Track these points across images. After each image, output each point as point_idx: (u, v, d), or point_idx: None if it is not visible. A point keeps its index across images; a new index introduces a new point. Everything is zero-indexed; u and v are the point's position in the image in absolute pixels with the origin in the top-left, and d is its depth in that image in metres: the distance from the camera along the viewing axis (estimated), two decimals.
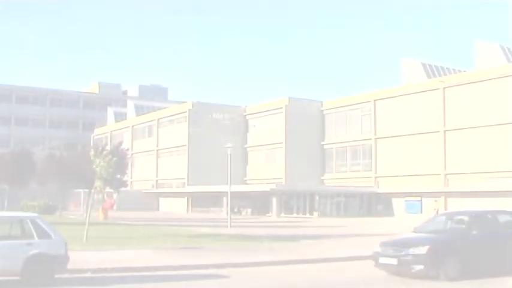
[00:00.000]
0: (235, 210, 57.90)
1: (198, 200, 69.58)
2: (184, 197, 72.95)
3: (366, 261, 19.45)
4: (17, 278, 13.25)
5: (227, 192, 38.66)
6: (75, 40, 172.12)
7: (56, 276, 13.69)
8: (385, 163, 62.43)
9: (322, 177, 69.44)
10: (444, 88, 57.00)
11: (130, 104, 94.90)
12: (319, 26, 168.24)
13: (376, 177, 63.19)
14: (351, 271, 17.47)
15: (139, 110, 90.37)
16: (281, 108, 69.34)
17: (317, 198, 59.00)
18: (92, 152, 24.64)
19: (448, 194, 55.34)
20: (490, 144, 52.58)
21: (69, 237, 16.98)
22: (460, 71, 64.96)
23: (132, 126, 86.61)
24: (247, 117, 75.07)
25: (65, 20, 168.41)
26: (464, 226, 16.36)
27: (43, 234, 13.55)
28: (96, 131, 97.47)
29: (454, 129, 55.87)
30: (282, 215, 58.34)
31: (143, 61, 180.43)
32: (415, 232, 16.81)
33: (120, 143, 26.89)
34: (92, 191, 28.50)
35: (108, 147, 25.71)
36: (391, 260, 15.45)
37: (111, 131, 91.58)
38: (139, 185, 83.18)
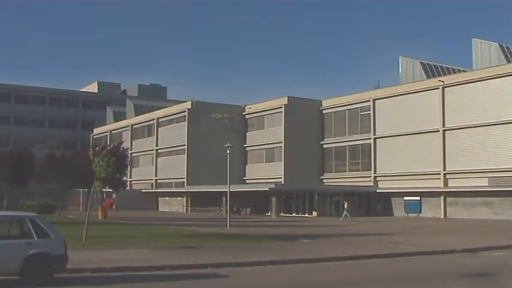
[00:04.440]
0: (235, 209, 57.88)
1: (197, 200, 69.54)
2: (183, 197, 72.91)
3: (365, 261, 19.53)
4: (17, 277, 13.26)
5: (226, 191, 38.63)
6: (74, 40, 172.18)
7: (55, 275, 13.69)
8: (384, 162, 62.41)
9: (322, 177, 69.42)
10: (443, 87, 57.00)
11: (130, 104, 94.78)
12: (319, 26, 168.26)
13: (375, 177, 63.16)
14: (350, 270, 17.48)
15: (139, 110, 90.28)
16: (280, 107, 69.31)
17: (316, 197, 58.99)
18: (91, 152, 24.60)
19: (448, 193, 55.37)
20: (489, 143, 52.60)
21: (69, 237, 17.00)
22: (459, 70, 64.89)
23: (132, 125, 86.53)
24: (247, 116, 75.03)
25: (64, 20, 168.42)
26: None
27: (42, 234, 13.54)
28: (96, 130, 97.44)
29: (453, 129, 55.87)
30: (281, 214, 58.32)
31: (142, 61, 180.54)
32: None
33: (121, 143, 26.78)
34: (91, 190, 28.46)
35: (108, 147, 25.60)
36: None
37: (111, 131, 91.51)
38: (138, 185, 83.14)
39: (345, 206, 50.66)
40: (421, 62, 66.40)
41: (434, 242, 26.04)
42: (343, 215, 49.29)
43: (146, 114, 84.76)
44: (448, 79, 58.00)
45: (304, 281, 15.32)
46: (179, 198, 73.72)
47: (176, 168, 73.84)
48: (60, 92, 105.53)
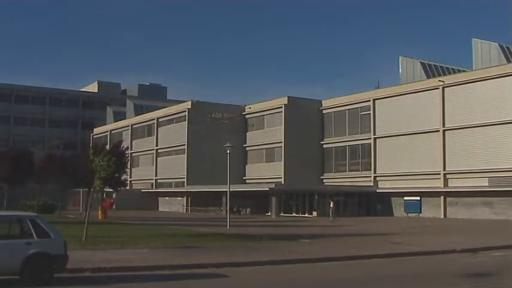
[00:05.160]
0: (235, 209, 57.84)
1: (197, 200, 69.50)
2: (183, 197, 72.89)
3: (365, 261, 19.50)
4: (17, 277, 13.25)
5: (226, 191, 38.63)
6: (74, 39, 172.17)
7: (55, 275, 13.68)
8: (384, 162, 62.40)
9: (322, 177, 69.41)
10: (443, 87, 56.99)
11: (130, 104, 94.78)
12: (319, 26, 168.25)
13: (375, 177, 63.14)
14: (350, 270, 17.48)
15: (139, 110, 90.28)
16: (280, 107, 69.29)
17: (316, 197, 58.96)
18: (91, 151, 24.59)
19: (448, 193, 55.36)
20: (489, 143, 52.59)
21: (69, 237, 17.02)
22: (459, 70, 64.94)
23: (132, 125, 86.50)
24: (247, 116, 75.02)
25: (64, 20, 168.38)
26: None
27: (42, 234, 13.53)
28: (96, 130, 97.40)
29: (453, 129, 55.86)
30: (281, 214, 58.30)
31: (143, 60, 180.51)
32: None
33: (120, 142, 26.82)
34: (91, 190, 28.47)
35: (107, 147, 25.62)
36: None
37: (111, 131, 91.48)
38: (138, 185, 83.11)
39: (331, 206, 50.76)
40: (421, 62, 66.43)
41: (434, 242, 26.03)
42: (332, 215, 49.34)
43: (146, 114, 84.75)
44: (448, 79, 58.00)
45: (304, 281, 15.30)
46: (179, 198, 73.69)
47: (176, 168, 73.83)
48: (60, 91, 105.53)
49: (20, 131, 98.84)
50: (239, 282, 15.15)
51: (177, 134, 74.16)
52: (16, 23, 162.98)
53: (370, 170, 63.67)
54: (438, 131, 56.81)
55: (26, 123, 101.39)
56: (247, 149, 74.09)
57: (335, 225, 39.61)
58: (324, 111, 70.74)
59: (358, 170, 65.77)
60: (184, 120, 73.51)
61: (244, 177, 72.79)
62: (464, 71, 62.20)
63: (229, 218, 35.91)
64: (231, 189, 38.31)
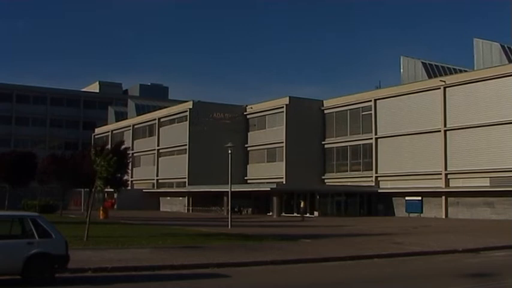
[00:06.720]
0: (236, 209, 57.91)
1: (198, 200, 69.56)
2: (184, 197, 72.93)
3: (366, 261, 19.51)
4: (18, 277, 13.26)
5: (228, 191, 38.63)
6: (76, 39, 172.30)
7: (57, 275, 13.70)
8: (385, 162, 62.37)
9: (323, 177, 69.40)
10: (444, 87, 56.96)
11: (131, 104, 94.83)
12: (321, 26, 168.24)
13: (376, 177, 63.12)
14: (351, 270, 17.48)
15: (140, 110, 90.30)
16: (282, 107, 69.29)
17: (318, 197, 58.96)
18: (93, 152, 24.61)
19: (449, 193, 55.32)
20: (490, 143, 52.55)
21: (70, 237, 17.04)
22: (460, 70, 64.90)
23: (133, 125, 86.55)
24: (248, 116, 75.03)
25: (66, 20, 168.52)
26: None
27: (44, 234, 13.54)
28: (97, 130, 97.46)
29: (454, 129, 55.84)
30: (283, 214, 58.31)
31: (144, 60, 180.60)
32: None
33: (122, 143, 26.85)
34: (93, 190, 28.51)
35: (108, 147, 25.64)
36: None
37: (112, 131, 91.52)
38: (140, 185, 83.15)
39: (301, 206, 50.86)
40: (422, 62, 66.40)
41: (435, 242, 26.01)
42: (302, 214, 49.35)
43: (147, 114, 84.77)
44: (449, 79, 57.97)
45: (305, 281, 15.29)
46: (180, 198, 73.74)
47: (177, 168, 73.85)
48: (61, 91, 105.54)
49: (21, 131, 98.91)
50: (241, 282, 15.14)
51: (178, 134, 74.19)
52: (17, 23, 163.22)
53: (372, 170, 63.64)
54: (440, 131, 56.78)
55: (27, 123, 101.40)
56: (248, 149, 74.10)
57: (335, 225, 39.59)
58: (326, 111, 70.72)
59: (359, 170, 65.75)
60: (186, 120, 73.54)
61: (245, 177, 72.81)
62: (465, 71, 62.17)
63: (231, 218, 35.94)
64: (232, 189, 38.31)
